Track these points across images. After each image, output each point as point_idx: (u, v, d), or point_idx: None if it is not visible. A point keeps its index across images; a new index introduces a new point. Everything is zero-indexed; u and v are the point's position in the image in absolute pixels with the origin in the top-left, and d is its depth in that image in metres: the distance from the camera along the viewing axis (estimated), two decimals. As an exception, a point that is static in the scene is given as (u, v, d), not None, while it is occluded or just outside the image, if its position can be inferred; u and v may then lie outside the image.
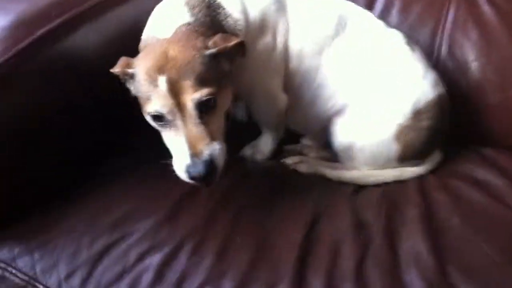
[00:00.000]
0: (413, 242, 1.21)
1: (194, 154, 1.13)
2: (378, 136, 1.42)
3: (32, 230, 1.26)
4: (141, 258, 1.18)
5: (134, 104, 1.23)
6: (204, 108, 1.15)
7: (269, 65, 1.40)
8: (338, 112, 1.46)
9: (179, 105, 1.14)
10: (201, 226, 1.25)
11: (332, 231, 1.26)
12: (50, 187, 1.33)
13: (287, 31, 1.39)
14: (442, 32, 1.55)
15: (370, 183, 1.45)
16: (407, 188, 1.42)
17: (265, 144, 1.57)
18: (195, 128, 1.15)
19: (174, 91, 1.13)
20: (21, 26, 1.26)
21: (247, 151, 1.57)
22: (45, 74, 1.28)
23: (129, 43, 1.29)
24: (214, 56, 1.17)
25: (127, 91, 1.27)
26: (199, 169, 1.13)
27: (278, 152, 1.59)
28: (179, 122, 1.15)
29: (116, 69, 1.23)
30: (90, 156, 1.42)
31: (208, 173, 1.14)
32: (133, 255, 1.19)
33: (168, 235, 1.23)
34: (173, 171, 1.19)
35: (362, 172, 1.47)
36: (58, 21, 1.28)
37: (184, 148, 1.14)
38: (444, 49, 1.55)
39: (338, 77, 1.44)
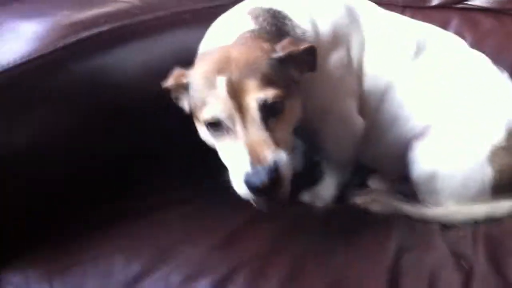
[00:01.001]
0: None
1: (256, 161, 0.95)
2: (469, 159, 1.22)
3: (53, 254, 1.06)
4: (186, 281, 0.97)
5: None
6: (269, 113, 0.99)
7: (343, 83, 1.25)
8: (419, 135, 1.27)
9: (240, 109, 0.98)
10: (260, 255, 1.03)
11: (425, 260, 1.03)
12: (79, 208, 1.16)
13: (362, 46, 1.27)
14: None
15: (459, 221, 1.22)
16: (504, 223, 1.19)
17: (327, 188, 1.37)
18: (258, 132, 0.98)
19: (235, 93, 0.98)
20: (52, 33, 1.15)
21: (306, 197, 1.36)
22: (66, 91, 1.16)
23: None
24: (282, 61, 1.04)
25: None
26: (262, 177, 0.93)
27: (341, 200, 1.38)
28: (239, 128, 0.98)
29: (168, 82, 1.11)
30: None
31: (272, 183, 0.94)
32: (176, 278, 0.98)
33: (221, 260, 1.01)
34: (231, 188, 1.00)
35: (449, 209, 1.24)
36: (94, 31, 1.19)
37: (243, 155, 0.96)
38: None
39: (419, 97, 1.28)
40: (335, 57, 1.23)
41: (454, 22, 1.54)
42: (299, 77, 1.10)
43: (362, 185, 1.45)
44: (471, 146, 1.23)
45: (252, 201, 1.01)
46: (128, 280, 0.98)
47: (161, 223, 1.13)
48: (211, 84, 1.00)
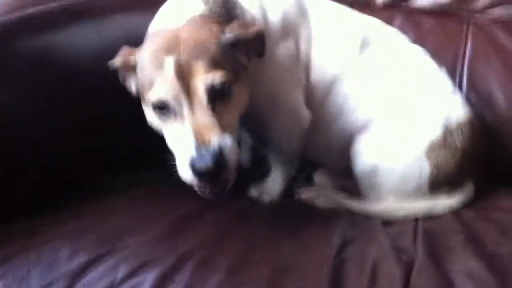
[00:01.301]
0: (464, 263, 1.02)
1: (201, 144, 0.94)
2: (407, 154, 1.25)
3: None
4: (133, 273, 0.95)
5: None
6: (217, 97, 0.99)
7: (291, 74, 1.26)
8: (362, 129, 1.30)
9: (187, 91, 0.98)
10: (207, 244, 1.04)
11: (367, 253, 1.06)
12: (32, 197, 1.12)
13: (310, 38, 1.29)
14: (462, 64, 1.48)
15: (400, 217, 1.26)
16: (443, 220, 1.23)
17: (274, 184, 1.38)
18: (204, 115, 0.97)
19: (183, 75, 0.98)
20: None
21: (253, 192, 1.36)
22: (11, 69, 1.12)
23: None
24: (231, 44, 1.05)
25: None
26: (206, 160, 0.93)
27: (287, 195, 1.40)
28: (185, 110, 0.98)
29: (116, 61, 1.09)
30: (83, 168, 1.23)
31: (217, 168, 0.94)
32: (122, 270, 0.95)
33: (168, 250, 1.00)
34: (176, 174, 0.99)
35: (391, 205, 1.27)
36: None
37: (189, 139, 0.95)
38: (465, 83, 1.48)
39: (363, 91, 1.31)
40: (283, 48, 1.24)
41: (398, 21, 1.57)
42: (247, 63, 1.10)
43: (308, 180, 1.47)
44: (409, 141, 1.26)
45: (197, 188, 1.00)
46: (73, 272, 0.95)
47: (106, 210, 1.12)
48: (159, 65, 0.99)
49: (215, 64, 1.00)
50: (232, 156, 0.97)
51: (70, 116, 1.20)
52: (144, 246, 1.01)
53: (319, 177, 1.46)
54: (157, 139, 1.06)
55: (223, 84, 0.99)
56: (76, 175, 1.20)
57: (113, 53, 1.11)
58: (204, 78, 0.98)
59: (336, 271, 0.97)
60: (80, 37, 1.25)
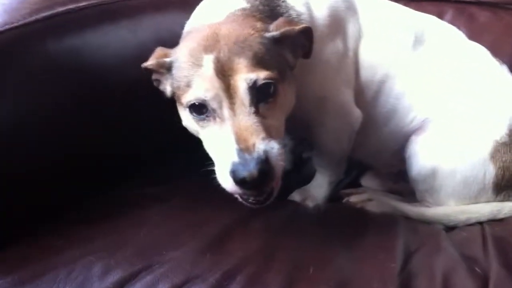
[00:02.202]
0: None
1: (244, 149, 0.84)
2: (471, 155, 1.14)
3: (23, 259, 0.92)
4: (175, 291, 0.84)
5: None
6: (261, 97, 0.89)
7: (339, 74, 1.15)
8: (418, 129, 1.20)
9: (228, 91, 0.88)
10: (255, 258, 0.92)
11: (435, 264, 0.94)
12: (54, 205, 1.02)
13: (358, 35, 1.18)
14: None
15: (461, 222, 1.15)
16: (509, 224, 1.12)
17: (319, 188, 1.27)
18: (247, 118, 0.87)
19: (223, 73, 0.88)
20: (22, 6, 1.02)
21: (296, 196, 1.26)
22: (40, 70, 1.02)
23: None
24: (276, 41, 0.95)
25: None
26: (250, 167, 0.82)
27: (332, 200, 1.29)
28: (226, 112, 0.88)
29: (149, 62, 1.00)
30: (110, 174, 1.13)
31: (262, 175, 0.83)
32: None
33: (211, 266, 0.89)
34: (215, 181, 0.88)
35: (451, 208, 1.16)
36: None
37: (230, 143, 0.85)
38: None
39: (419, 89, 1.21)
40: (331, 45, 1.13)
41: (448, 15, 1.47)
42: (293, 62, 1.00)
43: (354, 183, 1.37)
44: (472, 141, 1.15)
45: (238, 197, 0.91)
46: (107, 290, 0.85)
47: (140, 222, 1.01)
48: (197, 63, 0.90)
49: (258, 62, 0.90)
50: (278, 162, 0.86)
51: (101, 122, 1.11)
52: (184, 261, 0.90)
53: (367, 180, 1.36)
54: (193, 145, 0.96)
55: (267, 84, 0.89)
56: (104, 182, 1.11)
57: (147, 55, 1.02)
58: (246, 77, 0.88)
59: (404, 284, 0.86)
60: (113, 38, 1.15)
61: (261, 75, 0.89)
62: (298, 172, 1.36)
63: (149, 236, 0.96)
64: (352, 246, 0.98)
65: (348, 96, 1.17)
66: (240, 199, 0.92)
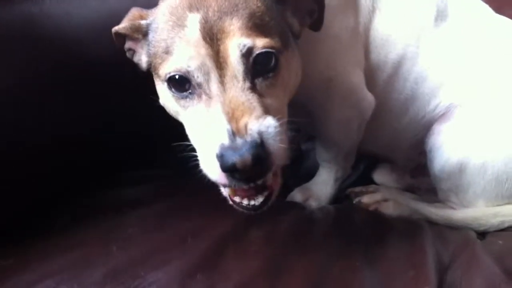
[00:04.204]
0: None
1: (236, 131, 0.67)
2: (505, 147, 0.99)
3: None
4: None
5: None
6: (258, 70, 0.72)
7: (349, 52, 0.99)
8: (442, 117, 1.04)
9: (217, 60, 0.71)
10: (260, 278, 0.75)
11: (474, 282, 0.79)
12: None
13: (372, 9, 1.01)
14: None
15: (493, 226, 1.00)
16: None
17: (324, 186, 1.11)
18: (240, 92, 0.70)
19: (211, 36, 0.71)
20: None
21: (296, 196, 1.10)
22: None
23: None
24: (278, 1, 0.78)
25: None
26: (241, 152, 0.66)
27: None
28: (214, 87, 0.71)
29: (122, 25, 0.82)
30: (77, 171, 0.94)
31: (257, 163, 0.66)
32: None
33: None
34: (199, 172, 0.72)
35: (481, 211, 1.01)
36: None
37: (218, 123, 0.68)
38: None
39: (443, 71, 1.04)
40: (342, 18, 0.97)
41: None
42: (299, 31, 0.83)
43: (362, 180, 1.20)
44: (506, 131, 1.00)
45: (229, 199, 0.76)
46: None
47: (114, 234, 0.81)
48: (179, 23, 0.74)
49: (255, 24, 0.73)
50: (277, 148, 0.69)
51: (64, 99, 0.92)
52: (168, 285, 0.71)
53: (379, 176, 1.20)
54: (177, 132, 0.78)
55: (267, 54, 0.72)
56: (68, 181, 0.92)
57: (118, 21, 0.84)
58: (239, 42, 0.71)
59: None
60: (76, 5, 0.97)
61: (259, 42, 0.72)
62: (299, 167, 1.18)
63: (124, 252, 0.76)
64: (376, 261, 0.81)
65: (358, 77, 1.00)
66: (231, 203, 0.76)
